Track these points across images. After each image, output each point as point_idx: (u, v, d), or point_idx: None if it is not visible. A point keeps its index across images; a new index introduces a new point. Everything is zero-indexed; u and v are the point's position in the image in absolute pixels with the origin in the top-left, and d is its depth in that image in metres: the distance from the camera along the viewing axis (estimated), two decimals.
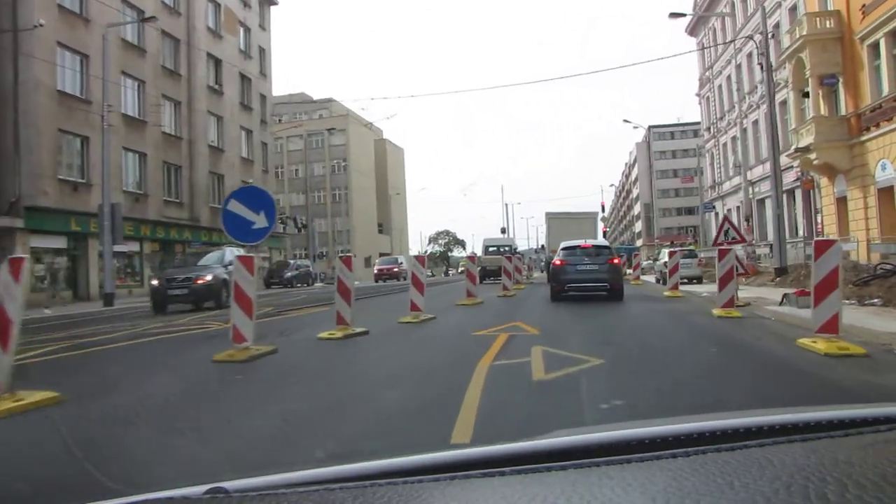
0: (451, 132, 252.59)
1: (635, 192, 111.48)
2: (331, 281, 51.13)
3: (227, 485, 0.96)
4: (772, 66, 21.33)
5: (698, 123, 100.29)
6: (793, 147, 26.01)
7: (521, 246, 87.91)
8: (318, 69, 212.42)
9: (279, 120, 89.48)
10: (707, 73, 41.75)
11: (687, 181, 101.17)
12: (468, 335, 8.79)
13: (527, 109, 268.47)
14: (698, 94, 44.72)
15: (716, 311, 10.68)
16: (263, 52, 44.42)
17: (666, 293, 16.44)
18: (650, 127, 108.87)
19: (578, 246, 16.33)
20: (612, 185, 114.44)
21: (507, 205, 70.41)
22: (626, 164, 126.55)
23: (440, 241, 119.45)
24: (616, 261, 16.34)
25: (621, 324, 10.79)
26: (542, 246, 38.37)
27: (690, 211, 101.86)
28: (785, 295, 12.77)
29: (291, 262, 40.35)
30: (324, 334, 8.64)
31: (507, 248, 32.94)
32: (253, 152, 41.38)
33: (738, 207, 37.67)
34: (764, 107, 30.23)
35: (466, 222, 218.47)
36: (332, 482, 0.93)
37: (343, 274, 9.28)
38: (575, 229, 27.39)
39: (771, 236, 27.51)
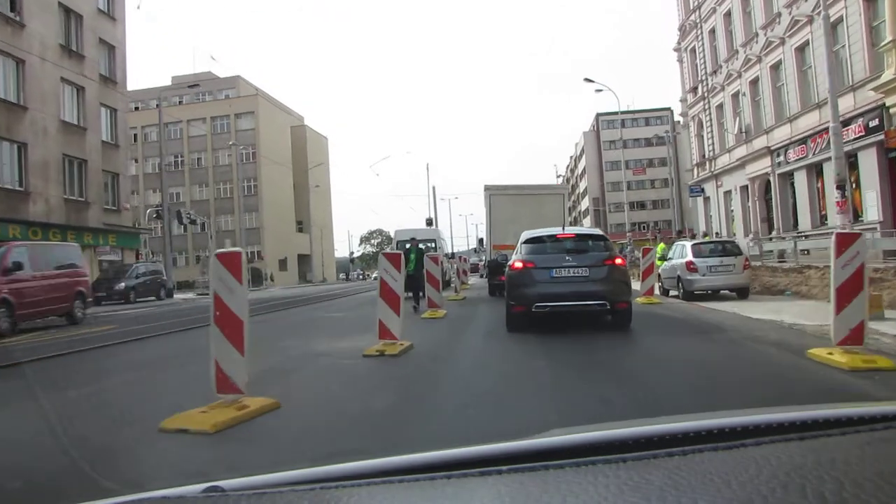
0: (374, 115, 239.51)
1: (582, 185, 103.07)
2: (205, 292, 39.83)
3: (223, 484, 0.94)
4: None
5: (653, 110, 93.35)
6: (883, 79, 16.56)
7: (460, 247, 77.13)
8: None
9: (179, 101, 77.73)
10: (692, 18, 32.41)
11: (639, 173, 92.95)
12: None
13: (464, 87, 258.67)
14: (677, 49, 35.43)
15: None
16: None
17: (843, 360, 5.94)
18: (598, 115, 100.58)
19: (553, 237, 10.18)
20: (559, 177, 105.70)
21: (434, 188, 57.87)
22: (571, 157, 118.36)
23: (373, 242, 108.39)
24: (619, 261, 9.88)
25: None
26: (481, 240, 27.37)
27: (643, 205, 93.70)
28: None
29: (135, 265, 28.97)
30: None
31: (429, 245, 22.81)
32: (86, 117, 29.88)
33: (744, 187, 28.33)
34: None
35: (394, 218, 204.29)
36: (329, 481, 0.92)
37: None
38: (531, 212, 17.32)
39: (838, 220, 18.19)
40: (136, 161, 67.94)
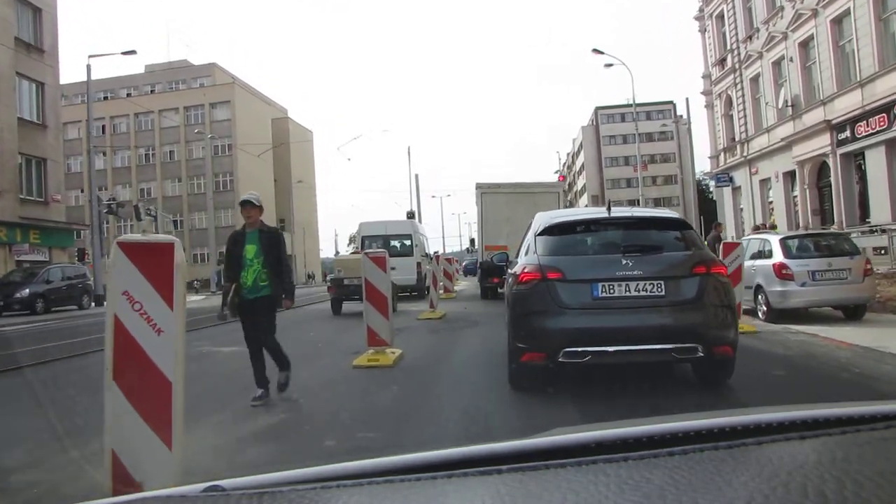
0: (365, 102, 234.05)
1: (581, 182, 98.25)
2: None
3: (224, 483, 0.93)
4: None
5: (655, 104, 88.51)
6: None
7: (452, 247, 71.81)
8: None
9: (151, 90, 72.66)
10: None
11: (641, 169, 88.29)
12: None
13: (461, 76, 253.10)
14: (699, 17, 30.64)
15: None
16: None
17: None
18: (597, 108, 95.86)
19: (596, 224, 5.85)
20: (556, 171, 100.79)
21: (416, 175, 50.25)
22: (568, 153, 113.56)
23: None
24: (719, 269, 5.36)
25: None
26: (472, 240, 24.38)
27: (643, 203, 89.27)
28: None
29: (47, 268, 23.75)
30: None
31: (405, 242, 18.35)
32: None
33: (789, 173, 23.54)
34: None
35: (384, 216, 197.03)
36: (330, 480, 0.91)
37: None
38: (526, 212, 12.97)
39: None
40: (105, 154, 63.10)
